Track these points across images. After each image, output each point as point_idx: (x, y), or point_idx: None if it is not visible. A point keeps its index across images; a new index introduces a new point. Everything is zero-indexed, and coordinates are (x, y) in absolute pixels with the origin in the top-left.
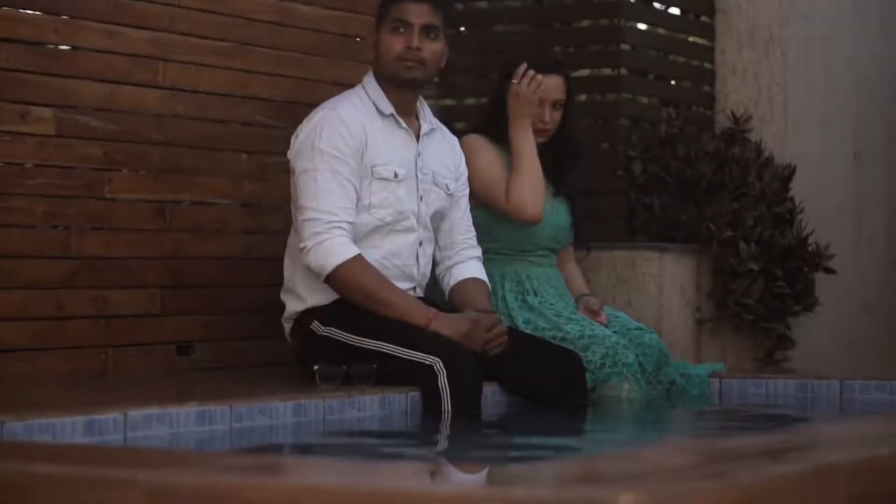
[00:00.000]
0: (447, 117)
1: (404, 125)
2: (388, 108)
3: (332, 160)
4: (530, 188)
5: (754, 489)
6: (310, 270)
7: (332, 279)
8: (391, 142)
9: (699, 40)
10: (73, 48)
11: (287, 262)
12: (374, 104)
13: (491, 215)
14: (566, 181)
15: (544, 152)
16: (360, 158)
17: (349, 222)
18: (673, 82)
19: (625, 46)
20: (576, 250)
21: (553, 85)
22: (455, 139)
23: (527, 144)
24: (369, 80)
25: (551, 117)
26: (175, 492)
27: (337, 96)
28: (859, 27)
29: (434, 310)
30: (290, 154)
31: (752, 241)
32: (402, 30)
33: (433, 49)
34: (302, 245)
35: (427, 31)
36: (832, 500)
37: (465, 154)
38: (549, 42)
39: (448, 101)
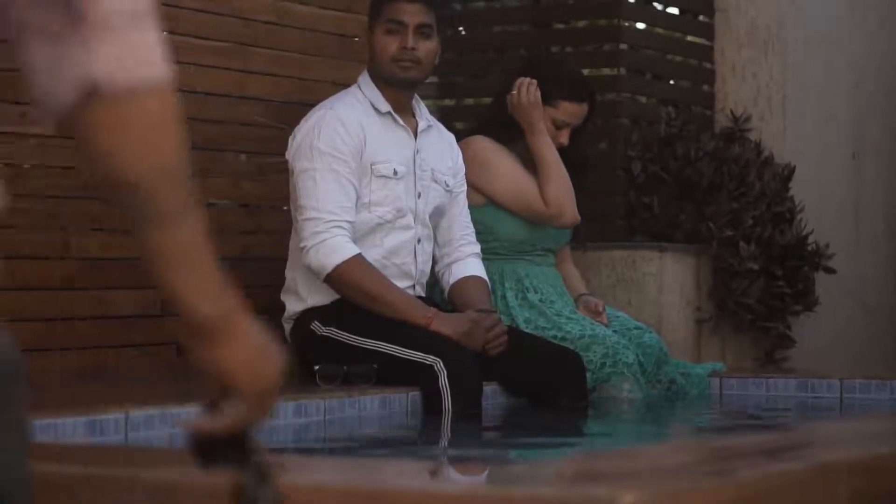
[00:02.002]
0: (446, 117)
1: (401, 123)
2: (385, 106)
3: (331, 159)
4: (565, 192)
5: (755, 487)
6: (310, 270)
7: (332, 279)
8: (389, 139)
9: (698, 40)
10: None
11: (288, 263)
12: (371, 103)
13: (492, 215)
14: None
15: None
16: (358, 157)
17: (349, 221)
18: (672, 82)
19: (623, 46)
20: (572, 249)
21: (581, 113)
22: (451, 136)
23: (549, 149)
24: (364, 80)
25: (566, 138)
26: (177, 491)
27: (333, 96)
28: (858, 27)
29: (434, 309)
30: (289, 154)
31: (752, 241)
32: (396, 30)
33: (428, 48)
34: (302, 244)
35: (421, 30)
36: (833, 499)
37: (476, 157)
38: (548, 42)
39: (447, 102)
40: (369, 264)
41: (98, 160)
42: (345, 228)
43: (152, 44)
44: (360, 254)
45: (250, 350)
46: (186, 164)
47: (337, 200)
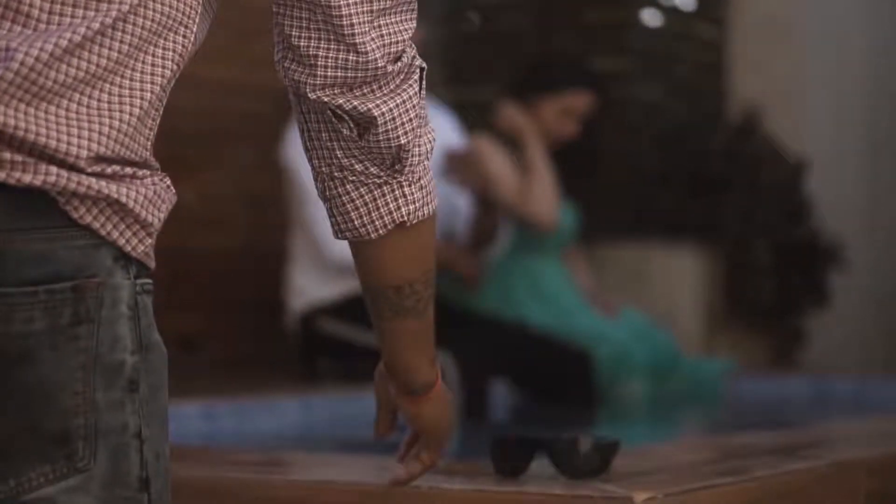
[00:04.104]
0: (453, 109)
1: None
2: None
3: None
4: (547, 197)
5: (771, 486)
6: (338, 264)
7: None
8: None
9: (711, 32)
10: None
11: (290, 259)
12: None
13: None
14: (580, 184)
15: (561, 154)
16: None
17: None
18: (684, 75)
19: (635, 38)
20: (580, 246)
21: (588, 100)
22: (449, 116)
23: (538, 155)
24: None
25: (574, 127)
26: (181, 488)
27: None
28: (873, 20)
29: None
30: (283, 152)
31: (765, 237)
32: None
33: (417, 39)
34: (318, 240)
35: None
36: (850, 497)
37: (474, 156)
38: (557, 33)
39: (455, 94)
40: None
41: (382, 271)
42: None
43: (431, 179)
44: None
45: (439, 409)
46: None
47: None
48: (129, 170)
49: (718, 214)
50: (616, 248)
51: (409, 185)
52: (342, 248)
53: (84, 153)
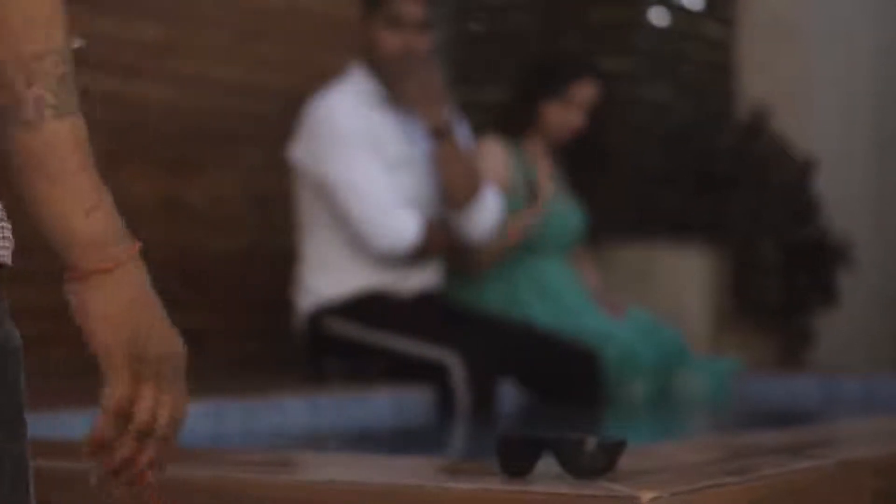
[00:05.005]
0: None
1: (401, 111)
2: (385, 97)
3: (355, 146)
4: (491, 251)
5: (777, 486)
6: (387, 254)
7: (415, 251)
8: (393, 128)
9: (718, 31)
10: (84, 38)
11: (300, 259)
12: (374, 93)
13: (506, 211)
14: (586, 183)
15: (568, 152)
16: (371, 144)
17: (394, 195)
18: (691, 74)
19: (641, 38)
20: (587, 246)
21: (591, 91)
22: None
23: (522, 226)
24: (361, 71)
25: (581, 119)
26: (186, 489)
27: (330, 89)
28: (880, 20)
29: None
30: (290, 151)
31: (773, 236)
32: (398, 26)
33: (428, 41)
34: (368, 234)
35: (423, 25)
36: (856, 497)
37: (479, 158)
38: (563, 32)
39: (459, 93)
40: (431, 221)
41: None
42: (398, 203)
43: None
44: (420, 219)
45: (127, 294)
46: (64, 61)
47: (379, 180)
48: None
49: (725, 214)
50: (622, 248)
51: None
52: (389, 239)
53: None
